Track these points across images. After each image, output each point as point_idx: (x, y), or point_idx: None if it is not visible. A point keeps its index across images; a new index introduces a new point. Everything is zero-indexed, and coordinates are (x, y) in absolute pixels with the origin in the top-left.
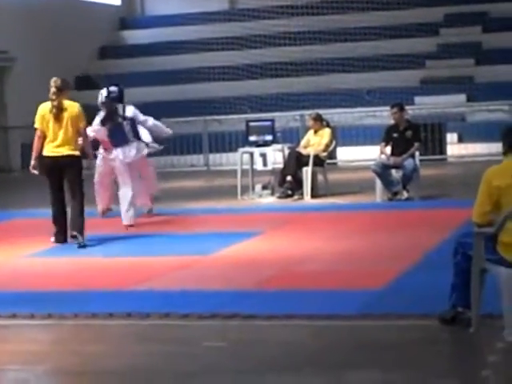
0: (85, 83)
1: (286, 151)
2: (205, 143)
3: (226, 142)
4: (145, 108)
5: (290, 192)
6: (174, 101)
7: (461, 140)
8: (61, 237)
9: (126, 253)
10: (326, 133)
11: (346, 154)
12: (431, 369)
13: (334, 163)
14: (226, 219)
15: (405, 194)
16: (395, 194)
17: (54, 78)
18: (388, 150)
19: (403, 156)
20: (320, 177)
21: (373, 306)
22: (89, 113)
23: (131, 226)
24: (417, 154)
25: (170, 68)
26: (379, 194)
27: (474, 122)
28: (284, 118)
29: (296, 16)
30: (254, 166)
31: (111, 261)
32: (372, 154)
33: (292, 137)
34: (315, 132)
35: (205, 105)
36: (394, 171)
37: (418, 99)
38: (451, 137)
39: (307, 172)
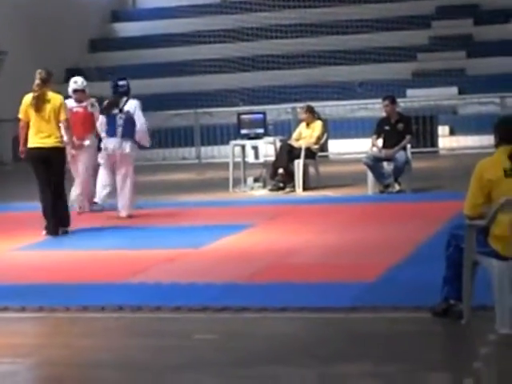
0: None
1: (278, 144)
2: (196, 136)
3: (218, 135)
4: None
5: (281, 185)
6: (165, 93)
7: (452, 132)
8: (52, 229)
9: (117, 246)
10: (317, 125)
11: (338, 146)
12: (423, 361)
13: (326, 156)
14: (218, 212)
15: (396, 187)
16: (387, 186)
17: (38, 70)
18: (380, 142)
19: (395, 148)
20: (312, 169)
21: (364, 298)
22: None
23: (129, 216)
24: (408, 146)
25: (162, 61)
26: (371, 186)
27: (466, 115)
28: (276, 111)
29: (288, 8)
30: (246, 159)
31: (103, 254)
32: (364, 146)
33: (284, 129)
34: (307, 125)
35: (196, 97)
36: (385, 164)
37: (409, 92)
38: (443, 129)
39: (299, 165)
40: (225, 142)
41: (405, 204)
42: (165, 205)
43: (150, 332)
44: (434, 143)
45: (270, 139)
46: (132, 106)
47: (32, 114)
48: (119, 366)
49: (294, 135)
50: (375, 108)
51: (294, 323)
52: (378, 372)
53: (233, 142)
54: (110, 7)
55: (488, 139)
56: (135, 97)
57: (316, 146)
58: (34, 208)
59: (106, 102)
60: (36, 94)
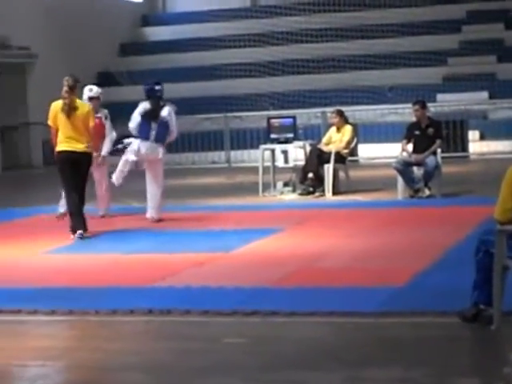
0: (106, 80)
1: (308, 148)
2: (226, 140)
3: (248, 139)
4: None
5: (311, 189)
6: (195, 97)
7: (483, 137)
8: (82, 226)
9: (147, 249)
10: (347, 130)
11: (368, 151)
12: (451, 366)
13: (356, 160)
14: (247, 216)
15: (426, 192)
16: (417, 191)
17: (66, 77)
18: (410, 147)
19: (425, 153)
20: (341, 174)
21: (393, 303)
22: (110, 109)
23: (159, 220)
24: (438, 151)
25: (192, 65)
26: (401, 191)
27: (496, 120)
28: (305, 115)
29: (317, 13)
30: (276, 163)
31: (132, 257)
32: (394, 151)
33: (313, 134)
34: (337, 129)
35: (226, 101)
36: (415, 168)
37: (440, 96)
38: (473, 134)
39: (329, 169)
40: (255, 146)
41: (434, 209)
42: (194, 209)
43: (178, 335)
44: (464, 148)
45: (300, 143)
46: (167, 112)
47: (62, 120)
48: (148, 369)
49: (324, 139)
50: (405, 112)
51: (322, 328)
52: (406, 377)
53: (263, 146)
54: (140, 11)
55: None
56: (167, 101)
57: (346, 151)
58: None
59: (148, 109)
60: (66, 100)
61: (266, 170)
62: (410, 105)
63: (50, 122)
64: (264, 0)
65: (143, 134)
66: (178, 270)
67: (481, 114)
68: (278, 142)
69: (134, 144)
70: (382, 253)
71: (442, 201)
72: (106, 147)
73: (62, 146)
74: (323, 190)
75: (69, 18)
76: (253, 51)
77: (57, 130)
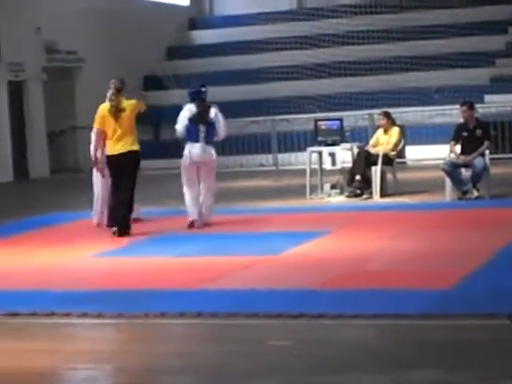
0: (153, 83)
1: (355, 150)
2: (273, 143)
3: (295, 142)
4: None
5: (358, 191)
6: (242, 100)
7: None
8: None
9: (194, 252)
10: (394, 132)
11: (416, 152)
12: (498, 368)
13: (403, 162)
14: (295, 218)
15: (475, 193)
16: (465, 192)
17: (112, 80)
18: (458, 148)
19: (473, 154)
20: (389, 176)
21: (440, 305)
22: (156, 112)
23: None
24: (487, 152)
25: (239, 68)
26: (449, 193)
27: None
28: (352, 117)
29: (363, 15)
30: (323, 166)
31: (180, 260)
32: (441, 152)
33: (361, 136)
34: (385, 131)
35: (273, 104)
36: (463, 170)
37: (487, 97)
38: None
39: (376, 171)
40: (302, 148)
41: (483, 210)
42: (242, 211)
43: (226, 338)
44: None
45: (347, 146)
46: (213, 113)
47: (110, 122)
48: (195, 371)
49: (372, 141)
50: (453, 114)
51: (368, 330)
52: (452, 380)
53: (310, 149)
54: (187, 15)
55: None
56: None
57: (393, 153)
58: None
59: (195, 112)
60: (113, 102)
61: (313, 172)
62: (457, 106)
63: (96, 125)
64: (310, 2)
65: (192, 136)
66: (225, 272)
67: None
68: (326, 144)
69: (185, 149)
70: (430, 255)
71: (491, 202)
72: None
73: (110, 147)
74: (371, 193)
75: (116, 22)
76: (299, 54)
77: (103, 132)
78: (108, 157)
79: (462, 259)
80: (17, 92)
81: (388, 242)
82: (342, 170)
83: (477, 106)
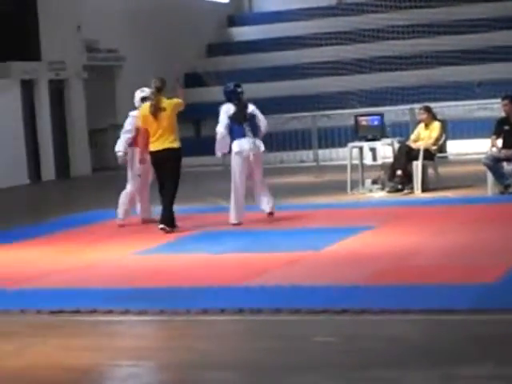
0: (193, 80)
1: (396, 145)
2: (314, 138)
3: (336, 137)
4: (253, 104)
5: (400, 186)
6: (282, 96)
7: None
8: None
9: (236, 249)
10: (435, 126)
11: (457, 147)
12: None
13: (445, 157)
14: (337, 214)
15: None
16: (507, 187)
17: (153, 79)
18: (499, 142)
19: None
20: (430, 171)
21: (485, 300)
22: (197, 109)
23: (271, 213)
24: None
25: (279, 64)
26: (490, 187)
27: None
28: (393, 112)
29: (403, 9)
30: (364, 161)
31: (222, 257)
32: (483, 146)
33: (402, 131)
34: (426, 126)
35: (313, 100)
36: (505, 164)
37: None
38: None
39: (417, 166)
40: (342, 144)
41: None
42: (284, 208)
43: (269, 334)
44: None
45: (388, 141)
46: (251, 109)
47: (150, 121)
48: (238, 368)
49: (413, 136)
50: (494, 108)
51: (413, 325)
52: (500, 374)
53: (350, 144)
54: (226, 12)
55: None
56: (254, 101)
57: (434, 147)
58: (154, 212)
59: (235, 112)
60: (153, 102)
61: (354, 167)
62: (498, 100)
63: (139, 123)
64: None
65: (239, 134)
66: (268, 269)
67: None
68: (366, 139)
69: (235, 146)
70: (473, 250)
71: None
72: None
73: (152, 145)
74: (412, 188)
75: (156, 20)
76: (339, 49)
77: (147, 131)
78: (150, 153)
79: (505, 253)
80: (58, 91)
81: (430, 236)
82: (382, 166)
83: None
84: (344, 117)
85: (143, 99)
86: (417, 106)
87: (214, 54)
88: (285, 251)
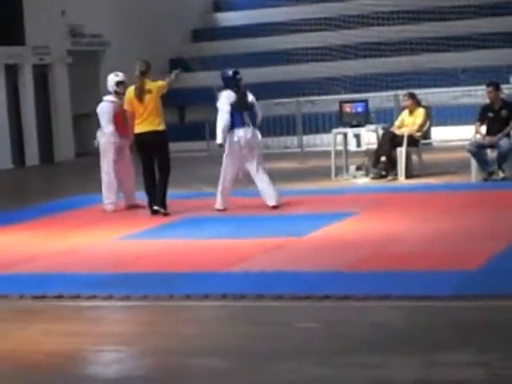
0: (178, 66)
1: (380, 132)
2: (298, 124)
3: (320, 123)
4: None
5: (384, 173)
6: (267, 82)
7: None
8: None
9: (220, 234)
10: (420, 113)
11: (441, 133)
12: None
13: (429, 143)
14: (320, 200)
15: (500, 174)
16: (490, 173)
17: (138, 62)
18: (483, 129)
19: (498, 135)
20: (414, 157)
21: (467, 286)
22: (181, 95)
23: (276, 206)
24: None
25: (263, 50)
26: (474, 174)
27: None
28: (378, 99)
29: None
30: (348, 147)
31: (205, 242)
32: (467, 133)
33: (386, 117)
34: (410, 112)
35: (298, 86)
36: (489, 151)
37: None
38: None
39: (401, 152)
40: (327, 130)
41: (509, 191)
42: None
43: (252, 320)
44: None
45: (372, 127)
46: (251, 98)
47: (137, 104)
48: (221, 353)
49: (397, 123)
50: (478, 95)
51: (395, 311)
52: (481, 361)
53: (335, 131)
54: None
55: None
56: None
57: (419, 134)
58: (138, 197)
59: (235, 100)
60: (137, 85)
61: (338, 154)
62: (483, 87)
63: (125, 106)
64: None
65: (239, 122)
66: (251, 255)
67: None
68: (351, 125)
69: (233, 135)
70: (456, 236)
71: None
72: None
73: (137, 128)
74: (396, 174)
75: (140, 5)
76: (324, 35)
77: (133, 113)
78: (135, 135)
79: (487, 240)
80: (42, 75)
81: (413, 223)
82: (367, 152)
83: (502, 86)
84: (328, 103)
85: (118, 83)
86: (401, 92)
87: (199, 40)
88: (268, 237)
